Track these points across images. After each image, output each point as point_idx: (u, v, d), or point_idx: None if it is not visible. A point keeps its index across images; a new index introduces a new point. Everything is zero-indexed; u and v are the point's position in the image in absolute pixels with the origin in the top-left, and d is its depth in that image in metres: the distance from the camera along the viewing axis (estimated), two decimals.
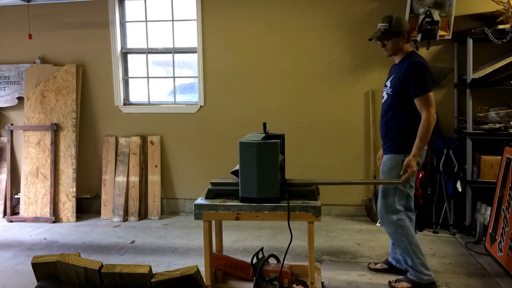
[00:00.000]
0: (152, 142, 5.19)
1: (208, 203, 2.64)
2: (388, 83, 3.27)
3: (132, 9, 5.30)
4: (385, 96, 3.29)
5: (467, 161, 4.32)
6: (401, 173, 3.09)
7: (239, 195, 2.62)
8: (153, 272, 1.57)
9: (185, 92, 5.46)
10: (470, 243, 4.05)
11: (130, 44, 5.34)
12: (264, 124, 3.07)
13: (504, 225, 3.61)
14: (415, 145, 3.05)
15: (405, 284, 3.23)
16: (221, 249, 3.17)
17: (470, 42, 4.23)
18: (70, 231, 4.73)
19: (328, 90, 4.89)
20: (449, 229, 4.41)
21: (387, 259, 3.56)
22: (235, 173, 2.74)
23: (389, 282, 3.32)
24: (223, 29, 5.00)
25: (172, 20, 5.19)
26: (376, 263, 3.60)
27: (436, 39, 4.35)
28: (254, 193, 2.57)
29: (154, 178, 5.15)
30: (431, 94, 3.07)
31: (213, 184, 2.81)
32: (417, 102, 3.07)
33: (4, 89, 5.36)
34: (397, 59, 3.26)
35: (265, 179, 2.55)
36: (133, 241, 4.38)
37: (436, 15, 4.20)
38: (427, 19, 4.19)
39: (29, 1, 5.06)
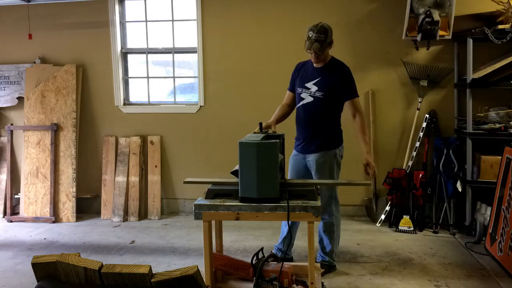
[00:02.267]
0: (152, 142, 5.20)
1: (208, 203, 2.64)
2: (313, 86, 3.38)
3: (132, 9, 5.30)
4: (310, 99, 3.41)
5: (467, 161, 4.32)
6: (368, 171, 3.30)
7: (239, 195, 2.62)
8: (153, 272, 1.58)
9: (185, 92, 5.46)
10: (470, 243, 4.05)
11: (130, 44, 5.34)
12: (260, 124, 3.08)
13: (504, 225, 3.61)
14: (367, 143, 3.40)
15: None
16: (221, 249, 3.17)
17: (470, 42, 4.23)
18: (70, 231, 4.73)
19: None
20: (449, 229, 4.41)
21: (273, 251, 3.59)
22: (234, 173, 2.74)
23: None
24: (223, 29, 5.00)
25: (172, 20, 5.19)
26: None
27: (436, 39, 4.35)
28: (253, 193, 2.57)
29: (154, 178, 5.15)
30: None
31: (214, 184, 2.81)
32: (351, 104, 3.38)
33: (4, 89, 5.37)
34: (319, 64, 3.39)
35: (264, 179, 2.55)
36: (133, 241, 4.38)
37: (436, 15, 4.20)
38: (427, 19, 4.19)
39: (29, 1, 5.06)
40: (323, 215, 3.44)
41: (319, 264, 3.39)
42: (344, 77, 3.35)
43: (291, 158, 3.59)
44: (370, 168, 3.28)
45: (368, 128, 3.32)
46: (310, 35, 3.23)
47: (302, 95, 3.44)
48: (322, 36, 3.19)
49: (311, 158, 3.45)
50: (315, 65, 3.41)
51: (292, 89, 3.58)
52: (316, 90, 3.37)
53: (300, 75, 3.50)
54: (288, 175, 3.56)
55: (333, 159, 3.45)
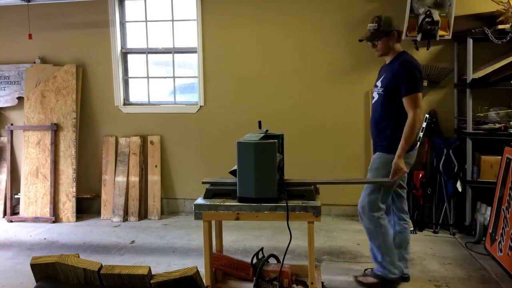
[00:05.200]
0: (152, 142, 5.20)
1: (208, 203, 2.64)
2: (379, 83, 3.23)
3: (132, 9, 5.30)
4: (376, 96, 3.25)
5: (467, 161, 4.32)
6: (391, 175, 3.04)
7: (237, 195, 2.62)
8: (153, 273, 1.58)
9: (185, 92, 5.46)
10: (470, 243, 4.05)
11: (130, 44, 5.34)
12: (259, 122, 3.08)
13: (504, 225, 3.61)
14: (400, 145, 3.01)
15: (371, 279, 3.31)
16: (221, 249, 3.17)
17: (470, 42, 4.23)
18: (70, 231, 4.73)
19: (328, 90, 4.88)
20: (449, 229, 4.41)
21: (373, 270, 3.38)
22: (233, 172, 2.74)
23: (355, 277, 3.40)
24: (223, 29, 4.99)
25: (172, 20, 5.18)
26: (365, 275, 3.43)
27: (436, 39, 4.34)
28: (252, 193, 2.57)
29: (154, 178, 5.15)
30: (420, 95, 3.04)
31: (209, 183, 2.81)
32: (405, 101, 3.03)
33: (4, 89, 5.37)
34: (388, 59, 3.23)
35: (262, 179, 2.55)
36: (133, 241, 4.38)
37: (436, 15, 4.19)
38: (427, 19, 4.18)
39: (29, 1, 5.06)
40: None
41: (319, 264, 3.39)
42: (401, 71, 3.06)
43: None
44: (400, 172, 3.01)
45: (412, 129, 2.99)
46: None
47: (373, 94, 3.31)
48: (374, 25, 3.11)
49: (372, 158, 3.31)
50: (384, 59, 3.28)
51: None
52: (380, 87, 3.20)
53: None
54: None
55: (388, 164, 3.09)
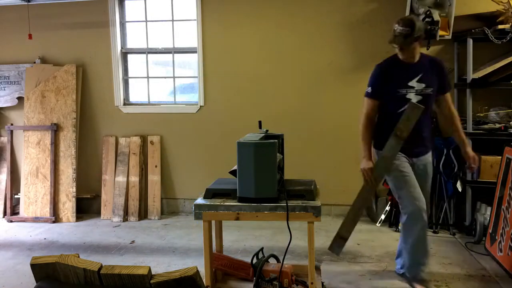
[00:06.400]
0: (152, 142, 5.20)
1: (208, 203, 2.64)
2: (419, 84, 3.07)
3: (132, 9, 5.30)
4: (416, 98, 3.07)
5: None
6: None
7: (237, 195, 2.62)
8: (153, 273, 1.58)
9: (185, 92, 5.46)
10: (470, 243, 4.05)
11: (130, 44, 5.34)
12: (259, 122, 3.08)
13: (504, 225, 3.61)
14: (464, 137, 3.24)
15: None
16: (221, 249, 3.17)
17: (470, 42, 4.23)
18: (70, 231, 4.73)
19: (328, 90, 4.88)
20: (449, 229, 4.41)
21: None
22: (233, 172, 2.74)
23: None
24: (223, 29, 4.99)
25: (172, 20, 5.19)
26: None
27: (436, 39, 4.35)
28: (251, 193, 2.57)
29: (154, 178, 5.15)
30: None
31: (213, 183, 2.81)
32: (448, 97, 3.20)
33: (4, 89, 5.37)
34: (416, 58, 3.11)
35: (262, 179, 2.55)
36: (133, 241, 4.39)
37: (436, 15, 4.19)
38: (427, 19, 4.19)
39: (29, 1, 5.06)
40: None
41: (319, 264, 3.39)
42: (442, 70, 3.19)
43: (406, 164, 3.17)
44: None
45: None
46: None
47: (408, 96, 3.08)
48: (406, 30, 2.95)
49: (424, 161, 3.22)
50: (407, 60, 3.10)
51: (379, 96, 3.19)
52: (425, 87, 3.08)
53: (394, 76, 3.15)
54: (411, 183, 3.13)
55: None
